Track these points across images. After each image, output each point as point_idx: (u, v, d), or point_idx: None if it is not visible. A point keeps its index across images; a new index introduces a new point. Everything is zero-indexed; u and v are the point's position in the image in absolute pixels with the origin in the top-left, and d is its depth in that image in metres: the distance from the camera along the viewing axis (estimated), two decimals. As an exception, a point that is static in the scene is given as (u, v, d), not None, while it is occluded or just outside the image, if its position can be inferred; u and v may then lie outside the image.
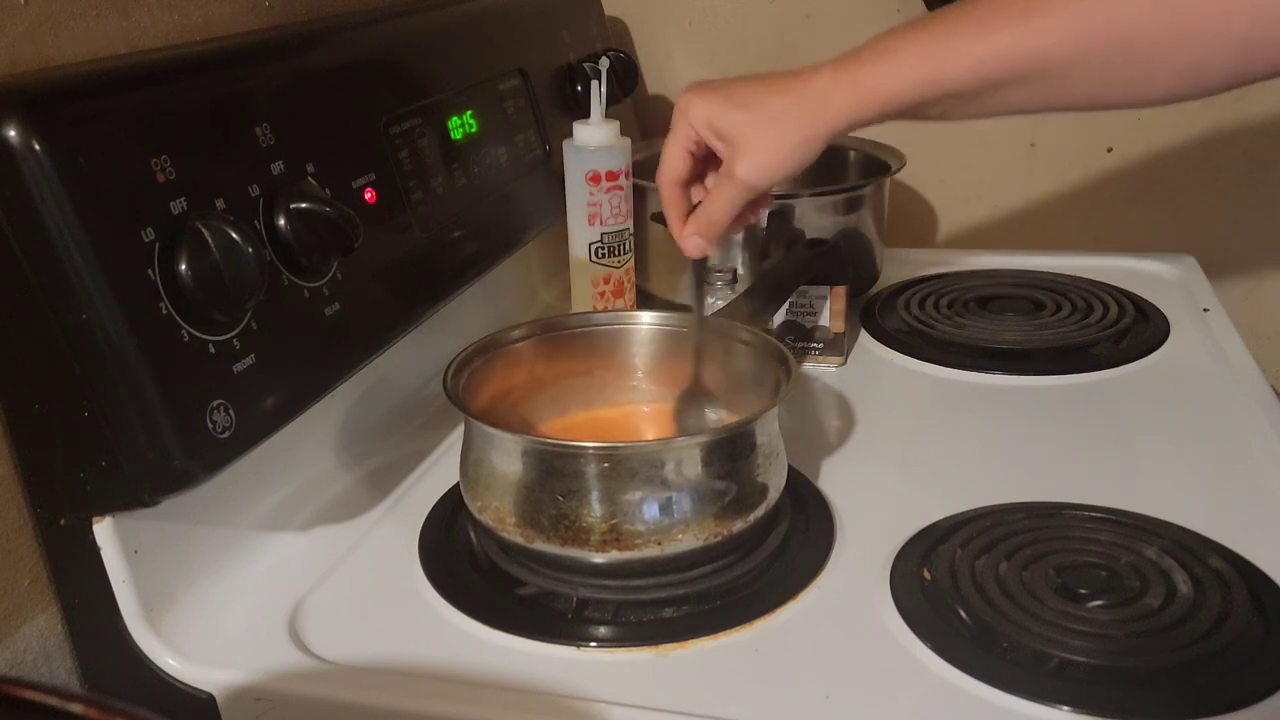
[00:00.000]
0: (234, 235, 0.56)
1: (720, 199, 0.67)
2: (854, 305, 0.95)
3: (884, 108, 0.62)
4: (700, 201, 0.69)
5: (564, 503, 0.59)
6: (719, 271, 0.86)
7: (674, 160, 0.69)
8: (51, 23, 0.59)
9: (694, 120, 0.67)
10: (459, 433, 0.72)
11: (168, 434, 0.54)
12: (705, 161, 0.70)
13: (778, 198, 0.94)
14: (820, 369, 0.90)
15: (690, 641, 0.58)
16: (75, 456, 0.56)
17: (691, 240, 0.69)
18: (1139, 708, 0.52)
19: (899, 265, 1.09)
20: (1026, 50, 0.58)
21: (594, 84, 0.89)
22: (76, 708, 0.27)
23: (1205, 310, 0.97)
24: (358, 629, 0.61)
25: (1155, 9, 0.55)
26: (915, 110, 0.63)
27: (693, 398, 0.72)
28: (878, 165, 1.03)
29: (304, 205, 0.62)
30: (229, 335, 0.58)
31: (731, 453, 0.61)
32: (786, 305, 0.87)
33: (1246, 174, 1.15)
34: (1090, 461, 0.75)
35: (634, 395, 0.75)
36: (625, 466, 0.59)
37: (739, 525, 0.61)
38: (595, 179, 0.88)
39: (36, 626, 0.60)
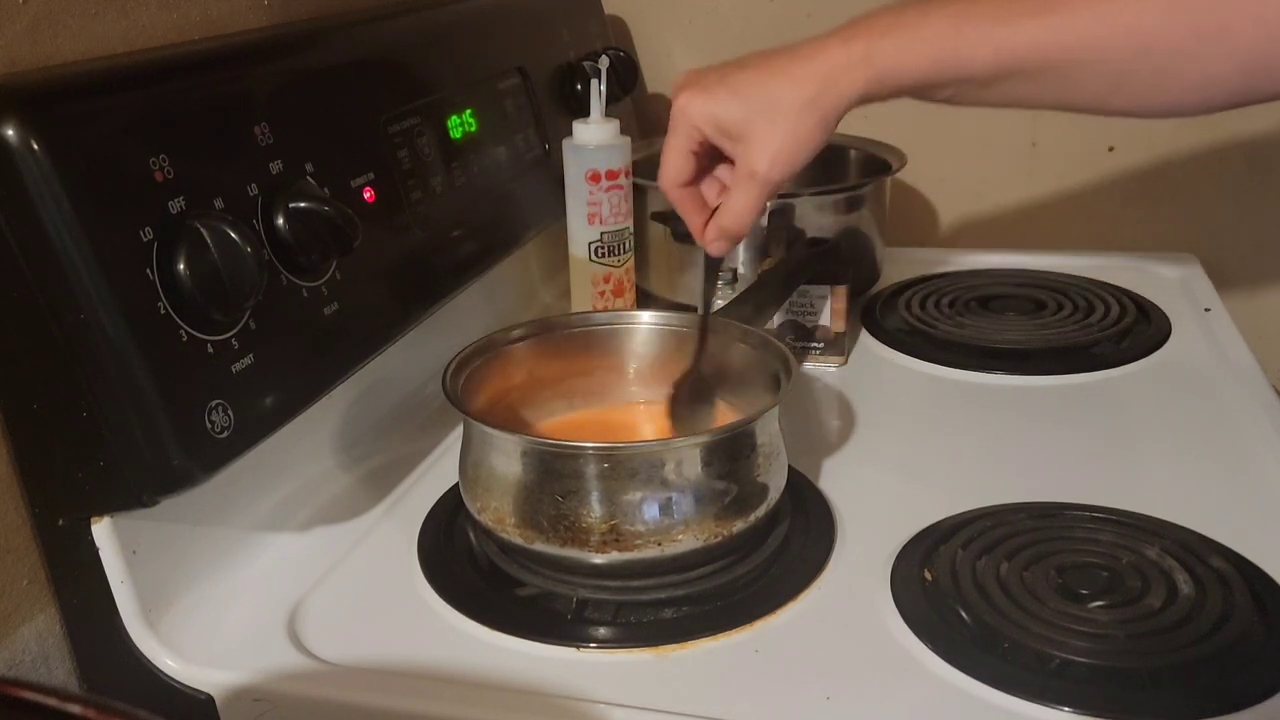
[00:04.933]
0: (233, 235, 0.56)
1: (743, 199, 0.64)
2: (854, 305, 0.94)
3: (897, 85, 0.61)
4: (719, 202, 0.67)
5: (564, 503, 0.59)
6: (719, 271, 0.86)
7: (677, 163, 0.66)
8: (50, 22, 0.59)
9: (698, 120, 0.64)
10: (458, 433, 0.72)
11: (166, 434, 0.54)
12: (709, 158, 0.67)
13: (778, 197, 0.94)
14: (821, 369, 0.89)
15: (690, 642, 0.58)
16: (74, 456, 0.56)
17: (717, 243, 0.67)
18: (1140, 708, 0.52)
19: (899, 265, 1.09)
20: (1046, 44, 0.58)
21: (594, 83, 0.89)
22: (75, 708, 0.26)
23: (1207, 310, 0.97)
24: (357, 630, 0.61)
25: (1174, 15, 0.55)
26: (924, 90, 0.61)
27: (693, 391, 0.71)
28: (878, 164, 1.03)
29: (303, 205, 0.62)
30: (228, 335, 0.58)
31: (732, 453, 0.61)
32: (787, 305, 0.87)
33: (1247, 174, 1.15)
34: (1091, 461, 0.75)
35: (634, 395, 0.75)
36: (625, 467, 0.59)
37: (739, 526, 0.61)
38: (595, 178, 0.87)
39: (35, 627, 0.60)
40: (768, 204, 0.90)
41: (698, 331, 0.71)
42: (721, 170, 0.68)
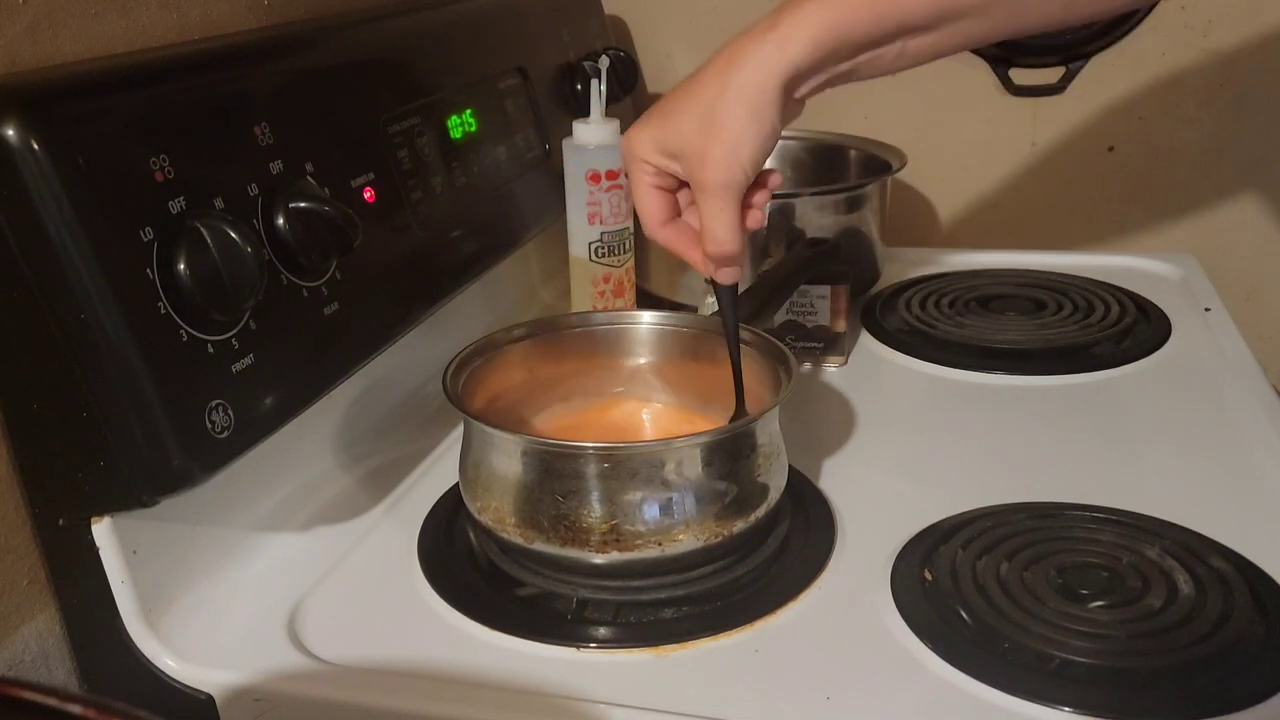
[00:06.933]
0: (233, 235, 0.56)
1: (710, 216, 0.60)
2: (854, 305, 0.94)
3: (835, 51, 0.57)
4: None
5: (564, 503, 0.59)
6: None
7: (648, 205, 0.63)
8: (50, 21, 0.59)
9: (643, 154, 0.62)
10: (459, 433, 0.72)
11: (166, 434, 0.54)
12: (680, 188, 0.64)
13: (778, 197, 0.94)
14: (821, 369, 0.89)
15: (690, 642, 0.58)
16: (74, 456, 0.56)
17: (720, 271, 0.64)
18: (1140, 709, 0.52)
19: (899, 265, 1.09)
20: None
21: (594, 83, 0.89)
22: (75, 708, 0.26)
23: (1207, 310, 0.97)
24: (357, 629, 0.61)
25: None
26: (867, 50, 0.58)
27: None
28: (879, 164, 1.03)
29: (303, 205, 0.62)
30: (228, 335, 0.58)
31: (732, 453, 0.61)
32: (787, 305, 0.87)
33: (1247, 174, 1.15)
34: (1091, 461, 0.75)
35: (634, 395, 0.75)
36: (625, 467, 0.59)
37: (739, 526, 0.61)
38: (595, 178, 0.87)
39: (35, 627, 0.60)
40: (768, 204, 0.91)
41: (734, 375, 0.67)
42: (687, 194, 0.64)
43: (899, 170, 0.99)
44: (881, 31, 0.57)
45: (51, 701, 0.27)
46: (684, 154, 0.60)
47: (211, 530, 0.64)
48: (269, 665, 0.57)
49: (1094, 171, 1.18)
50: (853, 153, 1.09)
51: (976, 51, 1.14)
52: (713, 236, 0.61)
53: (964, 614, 0.57)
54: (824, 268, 0.86)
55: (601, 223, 0.89)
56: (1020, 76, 1.14)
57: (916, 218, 1.25)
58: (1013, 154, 1.20)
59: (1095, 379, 0.86)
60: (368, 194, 0.71)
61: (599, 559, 0.59)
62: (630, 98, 1.14)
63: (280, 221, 0.61)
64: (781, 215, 0.92)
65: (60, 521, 0.58)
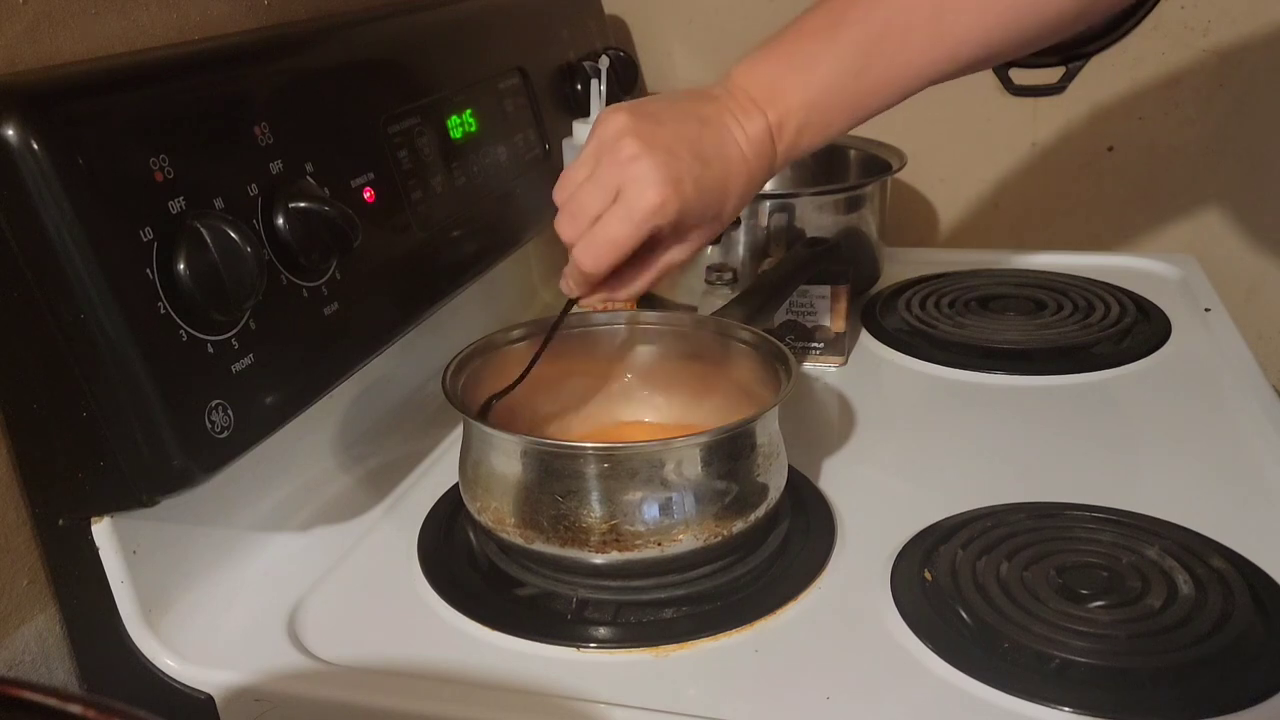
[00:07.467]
0: (233, 235, 0.56)
1: (622, 250, 0.61)
2: (855, 305, 0.94)
3: (819, 146, 0.66)
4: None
5: (563, 503, 0.59)
6: (719, 271, 0.86)
7: (629, 248, 0.61)
8: (50, 21, 0.59)
9: (663, 222, 0.60)
10: (458, 433, 0.72)
11: (166, 434, 0.54)
12: None
13: (778, 197, 0.94)
14: (821, 369, 0.89)
15: (690, 642, 0.58)
16: (74, 457, 0.56)
17: (569, 284, 0.65)
18: (1140, 708, 0.52)
19: (899, 264, 1.09)
20: (947, 68, 0.64)
21: (594, 83, 0.89)
22: (75, 708, 0.26)
23: (1206, 310, 0.97)
24: (357, 630, 0.61)
25: None
26: None
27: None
28: (879, 164, 1.03)
29: (303, 205, 0.62)
30: (227, 335, 0.58)
31: (731, 453, 0.61)
32: (787, 305, 0.87)
33: (1247, 174, 1.15)
34: (1091, 461, 0.75)
35: (633, 395, 0.75)
36: (625, 467, 0.59)
37: (739, 525, 0.61)
38: (595, 178, 0.87)
39: (35, 627, 0.60)
40: (768, 204, 0.91)
41: (536, 351, 0.69)
42: None
43: (899, 170, 0.99)
44: (861, 121, 0.65)
45: (51, 701, 0.27)
46: (678, 233, 0.64)
47: (211, 530, 0.64)
48: (269, 665, 0.58)
49: (1094, 171, 1.19)
50: (853, 153, 1.09)
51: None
52: (617, 281, 0.65)
53: (964, 614, 0.57)
54: (824, 268, 0.86)
55: (601, 223, 0.88)
56: (1020, 76, 1.14)
57: (916, 218, 1.25)
58: (1013, 154, 1.20)
59: (1095, 379, 0.86)
60: (368, 194, 0.71)
61: (599, 559, 0.59)
62: (630, 98, 1.14)
63: (280, 221, 0.61)
64: (782, 215, 0.92)
65: (60, 521, 0.58)
